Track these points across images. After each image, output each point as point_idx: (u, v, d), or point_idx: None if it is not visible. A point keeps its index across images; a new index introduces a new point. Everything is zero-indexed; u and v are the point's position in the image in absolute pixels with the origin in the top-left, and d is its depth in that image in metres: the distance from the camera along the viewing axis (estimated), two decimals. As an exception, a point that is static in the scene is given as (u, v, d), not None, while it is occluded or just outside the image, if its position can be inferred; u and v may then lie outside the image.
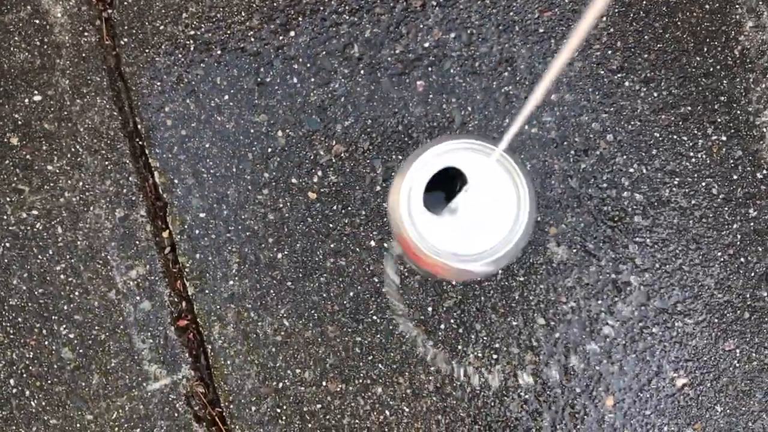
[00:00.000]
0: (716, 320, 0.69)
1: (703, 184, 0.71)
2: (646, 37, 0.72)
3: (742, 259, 0.70)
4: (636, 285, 0.69)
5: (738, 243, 0.70)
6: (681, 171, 0.71)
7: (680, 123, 0.71)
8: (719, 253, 0.70)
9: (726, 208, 0.70)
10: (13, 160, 0.72)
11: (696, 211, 0.70)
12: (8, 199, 0.72)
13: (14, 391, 0.70)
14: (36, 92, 0.73)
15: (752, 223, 0.70)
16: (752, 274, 0.69)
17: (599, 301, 0.69)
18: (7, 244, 0.71)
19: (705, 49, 0.72)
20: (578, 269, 0.70)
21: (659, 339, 0.69)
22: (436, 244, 0.48)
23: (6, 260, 0.71)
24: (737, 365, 0.69)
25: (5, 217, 0.72)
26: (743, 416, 0.68)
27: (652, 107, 0.71)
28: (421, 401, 0.69)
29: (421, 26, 0.73)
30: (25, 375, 0.70)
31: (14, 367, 0.70)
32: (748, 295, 0.69)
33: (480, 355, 0.69)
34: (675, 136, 0.71)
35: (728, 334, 0.69)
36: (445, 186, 0.51)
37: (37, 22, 0.74)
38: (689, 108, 0.71)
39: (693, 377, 0.69)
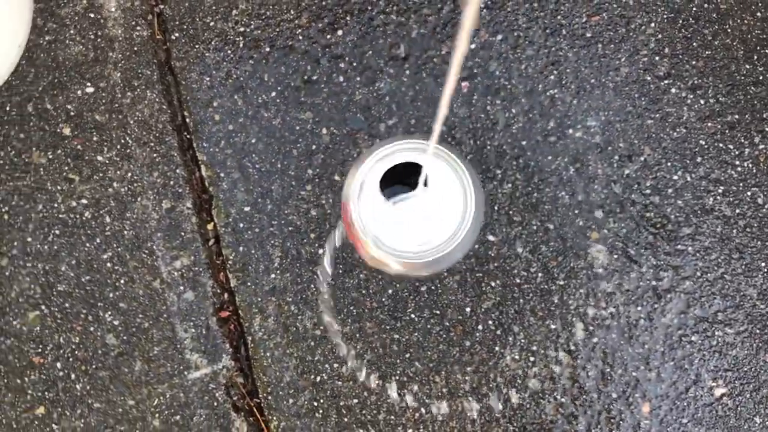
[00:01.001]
0: (758, 331, 0.69)
1: (749, 193, 0.70)
2: (694, 43, 0.72)
3: (786, 271, 0.69)
4: (676, 293, 0.69)
5: (782, 254, 0.69)
6: (726, 180, 0.70)
7: (727, 131, 0.71)
8: (763, 264, 0.69)
9: (771, 219, 0.70)
10: (65, 150, 0.74)
11: (740, 221, 0.70)
12: (59, 187, 0.74)
13: (60, 374, 0.72)
14: (89, 84, 0.75)
15: (798, 235, 0.69)
16: (796, 286, 0.69)
17: (639, 308, 0.69)
18: (57, 232, 0.73)
19: (755, 57, 0.71)
20: (619, 275, 0.69)
21: (698, 347, 0.69)
22: (390, 243, 0.49)
23: (55, 247, 0.73)
24: (778, 377, 0.68)
25: (56, 205, 0.74)
26: (782, 429, 0.68)
27: (699, 115, 0.71)
28: (456, 401, 0.69)
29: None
30: (71, 359, 0.72)
31: (61, 351, 0.72)
32: (791, 307, 0.69)
33: (517, 357, 0.69)
34: (721, 145, 0.71)
35: (769, 345, 0.69)
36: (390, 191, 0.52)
37: (92, 15, 0.76)
38: (736, 116, 0.71)
39: (732, 387, 0.68)
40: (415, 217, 0.50)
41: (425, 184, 0.49)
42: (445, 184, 0.50)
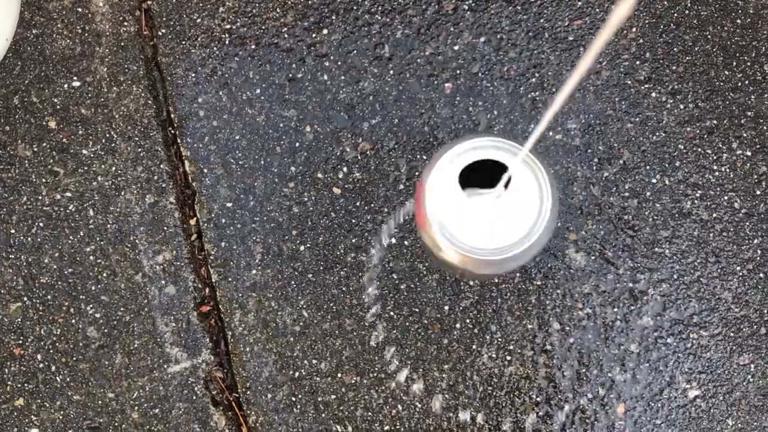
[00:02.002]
0: (732, 334, 0.69)
1: (726, 197, 0.71)
2: (675, 49, 0.73)
3: (762, 275, 0.70)
4: (653, 295, 0.70)
5: (758, 258, 0.70)
6: (704, 184, 0.71)
7: (705, 136, 0.72)
8: (738, 268, 0.70)
9: (747, 223, 0.70)
10: (50, 143, 0.75)
11: (717, 225, 0.71)
12: (44, 180, 0.74)
13: (41, 366, 0.72)
14: (75, 78, 0.75)
15: (773, 239, 0.70)
16: (771, 290, 0.69)
17: (615, 309, 0.70)
18: (41, 224, 0.74)
19: (734, 64, 0.72)
20: (596, 276, 0.70)
21: (673, 349, 0.69)
22: (450, 228, 0.49)
23: (39, 239, 0.74)
24: (751, 380, 0.69)
25: (40, 197, 0.74)
26: (755, 431, 0.69)
27: (678, 119, 0.72)
28: (433, 398, 0.70)
29: (452, 29, 0.74)
30: (51, 351, 0.72)
31: (42, 343, 0.73)
32: (765, 311, 0.69)
33: (494, 355, 0.70)
34: (699, 149, 0.71)
35: (743, 348, 0.69)
36: (479, 183, 0.52)
37: (80, 10, 0.76)
38: (715, 122, 0.72)
39: (706, 389, 0.69)
40: (487, 215, 0.49)
41: (505, 187, 0.48)
42: (523, 191, 0.49)
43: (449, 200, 0.49)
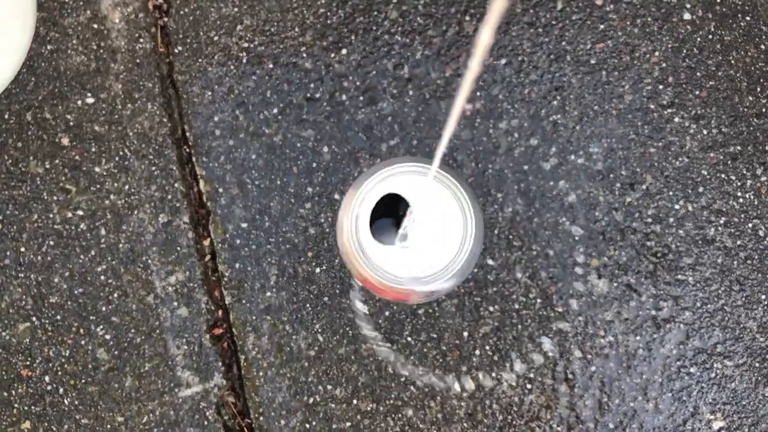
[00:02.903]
0: (757, 364, 0.68)
1: (750, 225, 0.70)
2: (698, 74, 0.72)
3: (787, 304, 0.68)
4: (676, 323, 0.69)
5: (783, 287, 0.69)
6: (728, 210, 0.70)
7: (729, 162, 0.71)
8: (763, 296, 0.69)
9: (772, 251, 0.69)
10: (62, 160, 0.73)
11: (741, 252, 0.69)
12: (55, 198, 0.73)
13: (49, 388, 0.71)
14: (89, 95, 0.74)
15: (798, 268, 0.69)
16: (796, 320, 0.68)
17: (638, 337, 0.68)
18: (51, 243, 0.72)
19: (758, 89, 0.71)
20: (618, 303, 0.69)
21: (697, 379, 0.68)
22: (396, 273, 0.49)
23: (49, 258, 0.72)
24: (776, 412, 0.67)
25: (51, 215, 0.73)
26: (780, 464, 0.67)
27: (701, 145, 0.71)
28: (451, 426, 0.68)
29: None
30: (60, 373, 0.71)
31: (50, 365, 0.71)
32: (790, 341, 0.68)
33: (514, 384, 0.68)
34: (723, 175, 0.70)
35: (768, 379, 0.68)
36: (390, 210, 0.52)
37: (95, 26, 0.75)
38: (739, 147, 0.71)
39: (730, 421, 0.67)
40: (413, 246, 0.49)
41: (414, 220, 0.49)
42: (443, 209, 0.49)
43: (377, 252, 0.49)
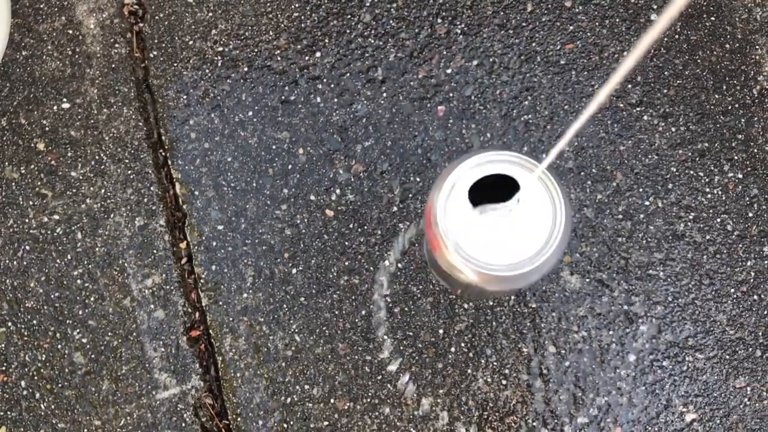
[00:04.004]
0: (727, 357, 0.69)
1: (718, 220, 0.71)
2: (666, 73, 0.73)
3: (756, 297, 0.70)
4: (648, 317, 0.70)
5: (752, 280, 0.70)
6: (696, 206, 0.71)
7: (697, 159, 0.72)
8: (732, 290, 0.70)
9: (740, 245, 0.70)
10: (38, 165, 0.73)
11: (710, 247, 0.71)
12: (31, 203, 0.73)
13: (25, 392, 0.70)
14: (65, 100, 0.75)
15: (766, 261, 0.70)
16: (765, 312, 0.69)
17: (611, 332, 0.69)
18: (27, 247, 0.72)
19: (724, 87, 0.73)
20: (591, 299, 0.70)
21: (669, 373, 0.69)
22: (465, 247, 0.48)
23: (25, 263, 0.72)
24: (747, 403, 0.68)
25: (27, 220, 0.73)
26: (752, 455, 0.68)
27: (670, 142, 0.72)
28: (428, 423, 0.69)
29: (445, 53, 0.74)
30: (36, 377, 0.71)
31: (26, 369, 0.71)
32: (760, 333, 0.69)
33: (489, 380, 0.69)
34: (691, 172, 0.72)
35: (739, 371, 0.69)
36: (490, 198, 0.51)
37: (70, 32, 0.76)
38: (706, 144, 0.72)
39: (702, 413, 0.68)
40: (500, 231, 0.48)
41: (518, 201, 0.48)
42: (537, 206, 0.48)
43: (461, 217, 0.48)
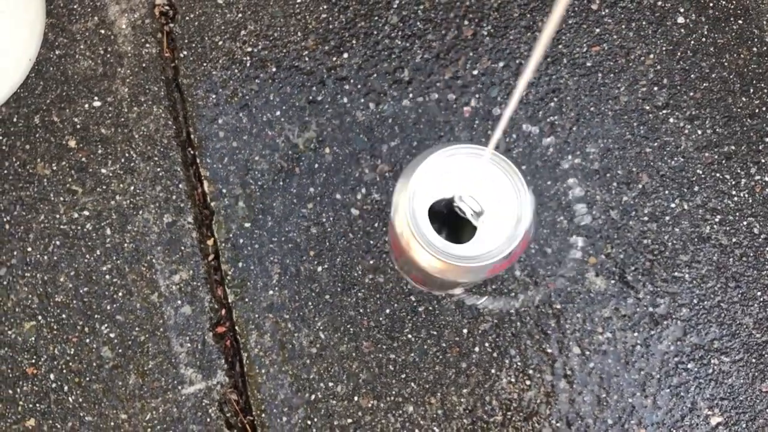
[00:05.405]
0: (754, 360, 0.69)
1: (745, 223, 0.71)
2: (692, 76, 0.73)
3: (782, 301, 0.69)
4: (673, 319, 0.69)
5: (778, 284, 0.70)
6: (723, 209, 0.71)
7: (723, 161, 0.72)
8: (759, 293, 0.70)
9: (767, 249, 0.70)
10: (69, 162, 0.75)
11: (737, 250, 0.70)
12: (62, 199, 0.74)
13: (54, 386, 0.71)
14: (96, 98, 0.76)
15: (793, 265, 0.70)
16: (792, 316, 0.69)
17: (635, 333, 0.69)
18: (57, 243, 0.74)
19: (751, 91, 0.73)
20: (616, 300, 0.70)
21: (694, 375, 0.69)
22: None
23: (55, 258, 0.73)
24: (774, 407, 0.68)
25: (57, 216, 0.74)
26: (778, 460, 0.68)
27: (696, 144, 0.72)
28: (452, 423, 0.69)
29: (471, 54, 0.75)
30: (65, 371, 0.72)
31: (55, 363, 0.72)
32: (787, 337, 0.69)
33: (513, 380, 0.69)
34: (718, 174, 0.72)
35: (766, 374, 0.68)
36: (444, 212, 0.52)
37: (103, 32, 0.77)
38: (733, 147, 0.72)
39: (728, 416, 0.68)
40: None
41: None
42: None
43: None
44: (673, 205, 0.71)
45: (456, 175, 0.50)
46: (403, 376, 0.70)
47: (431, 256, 0.49)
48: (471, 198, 0.49)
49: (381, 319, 0.71)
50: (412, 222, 0.49)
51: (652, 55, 0.74)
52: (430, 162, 0.50)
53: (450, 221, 0.52)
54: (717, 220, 0.71)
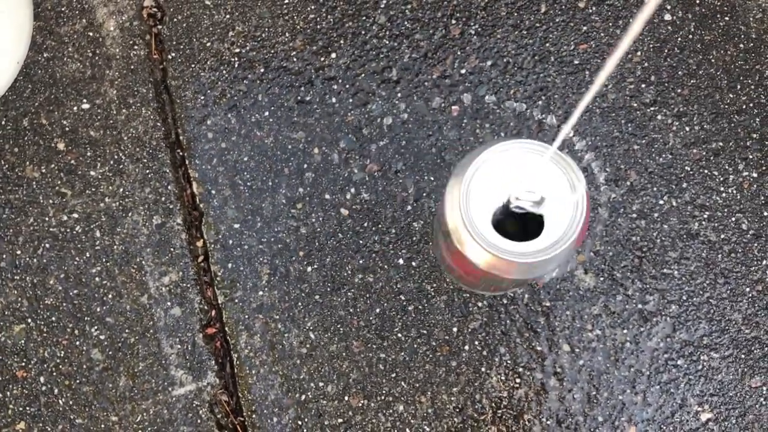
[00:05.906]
0: (743, 356, 0.69)
1: (733, 219, 0.71)
2: (679, 72, 0.74)
3: (771, 296, 0.69)
4: (662, 316, 0.69)
5: (767, 279, 0.70)
6: (711, 205, 0.71)
7: (711, 158, 0.72)
8: (747, 289, 0.70)
9: (755, 244, 0.70)
10: (58, 165, 0.75)
11: (725, 246, 0.70)
12: (51, 201, 0.74)
13: (44, 388, 0.71)
14: (85, 101, 0.76)
15: (782, 261, 0.70)
16: (781, 312, 0.69)
17: (625, 330, 0.69)
18: (47, 245, 0.73)
19: (738, 87, 0.73)
20: (605, 297, 0.70)
21: (684, 372, 0.69)
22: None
23: (45, 260, 0.73)
24: (764, 403, 0.68)
25: (47, 218, 0.74)
26: (768, 456, 0.68)
27: (684, 141, 0.72)
28: (442, 421, 0.69)
29: (459, 53, 0.75)
30: (55, 373, 0.72)
31: (45, 365, 0.72)
32: (776, 333, 0.69)
33: (503, 378, 0.69)
34: (706, 171, 0.72)
35: (755, 370, 0.69)
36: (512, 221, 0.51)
37: (91, 34, 0.77)
38: (721, 144, 0.72)
39: (718, 412, 0.68)
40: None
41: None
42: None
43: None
44: (661, 202, 0.71)
45: (509, 171, 0.49)
46: (394, 375, 0.70)
47: (504, 261, 0.48)
48: (527, 192, 0.48)
49: (371, 318, 0.71)
50: (478, 235, 0.48)
51: (639, 53, 0.74)
52: (483, 158, 0.49)
53: (510, 233, 0.51)
54: (705, 216, 0.71)
